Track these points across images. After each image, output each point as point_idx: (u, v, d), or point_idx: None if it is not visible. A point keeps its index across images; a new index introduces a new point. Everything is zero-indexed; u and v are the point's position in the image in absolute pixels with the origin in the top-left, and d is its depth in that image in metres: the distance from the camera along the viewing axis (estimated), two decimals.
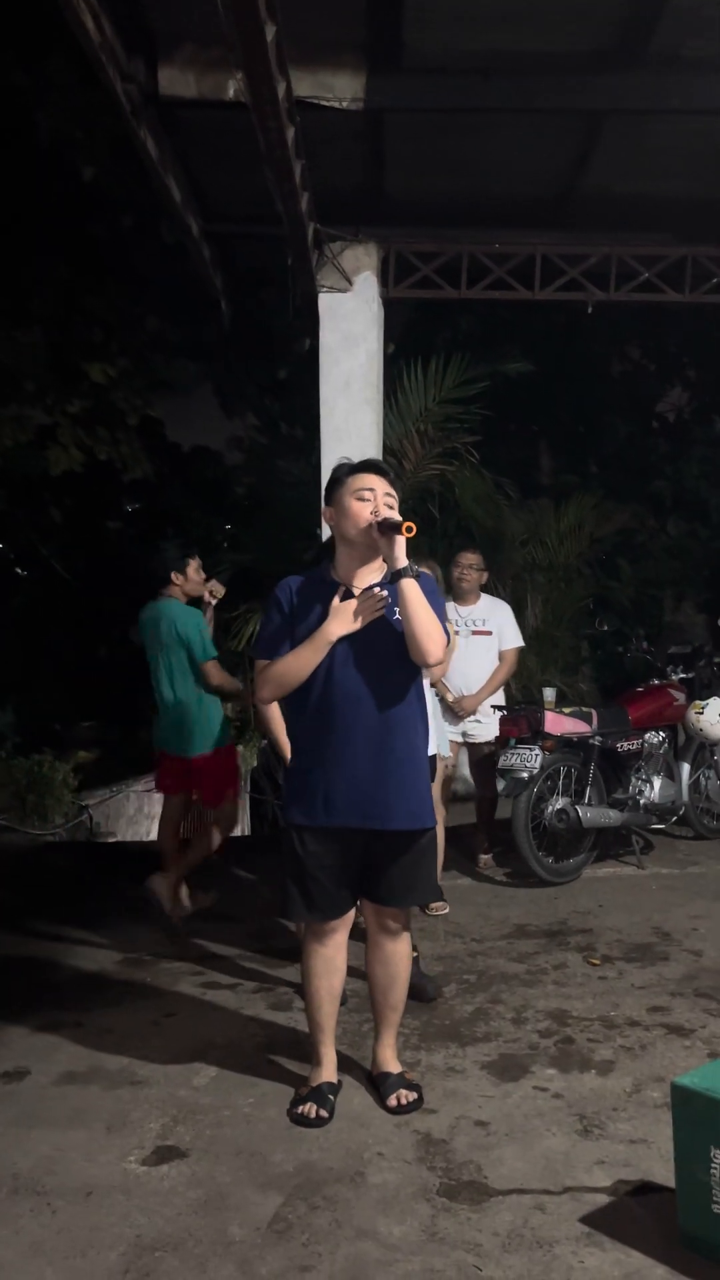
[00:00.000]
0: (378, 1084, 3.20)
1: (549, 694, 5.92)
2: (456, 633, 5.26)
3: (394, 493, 3.07)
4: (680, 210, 6.74)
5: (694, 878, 5.65)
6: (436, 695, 4.94)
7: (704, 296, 7.09)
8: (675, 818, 6.09)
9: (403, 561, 2.93)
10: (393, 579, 2.96)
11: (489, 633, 5.65)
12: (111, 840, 9.32)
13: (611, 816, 5.66)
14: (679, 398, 12.38)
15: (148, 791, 10.03)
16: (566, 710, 5.69)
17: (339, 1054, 3.27)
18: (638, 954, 4.44)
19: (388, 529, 2.93)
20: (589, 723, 5.66)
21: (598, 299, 7.04)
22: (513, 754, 5.41)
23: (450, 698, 5.45)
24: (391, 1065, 3.23)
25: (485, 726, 5.62)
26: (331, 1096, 3.12)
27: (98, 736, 12.10)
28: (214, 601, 5.28)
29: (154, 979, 4.29)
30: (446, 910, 5.04)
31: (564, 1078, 3.31)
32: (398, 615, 2.97)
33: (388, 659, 3.01)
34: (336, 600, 3.00)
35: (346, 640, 2.98)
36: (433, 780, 3.40)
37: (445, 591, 5.24)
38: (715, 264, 7.00)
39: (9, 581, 12.54)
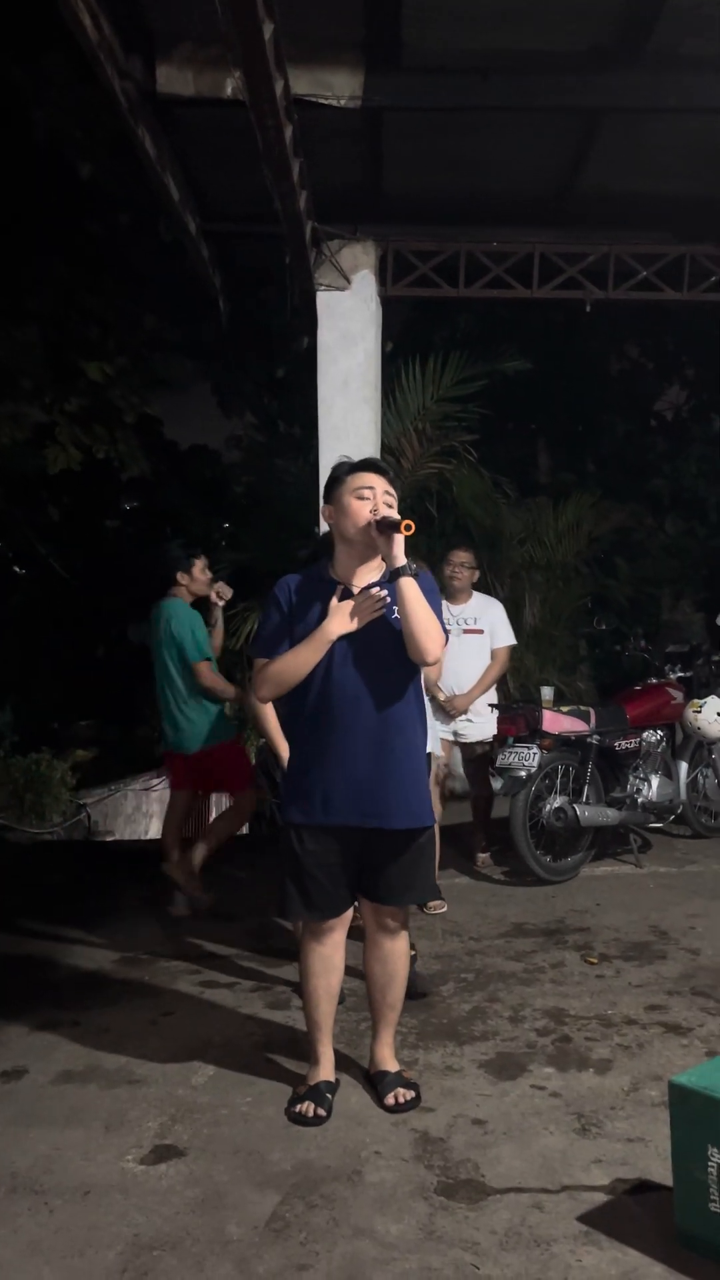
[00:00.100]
0: (375, 1083, 3.21)
1: (547, 692, 5.93)
2: (448, 630, 5.25)
3: (393, 491, 3.08)
4: (679, 209, 6.74)
5: (692, 876, 5.66)
6: (427, 694, 4.95)
7: (702, 295, 7.08)
8: (673, 816, 6.10)
9: (401, 560, 2.93)
10: (391, 577, 2.97)
11: (480, 631, 5.59)
12: (109, 839, 9.33)
13: (609, 815, 5.66)
14: (677, 396, 12.37)
15: (146, 790, 10.05)
16: (564, 709, 5.69)
17: (337, 1053, 3.27)
18: (635, 952, 4.45)
19: (386, 527, 2.94)
20: (587, 721, 5.66)
21: (596, 297, 7.03)
22: (511, 752, 5.41)
23: (441, 697, 5.41)
24: (389, 1064, 3.24)
25: (477, 726, 5.59)
26: (329, 1095, 3.12)
27: (96, 735, 12.10)
28: (221, 603, 5.32)
29: (152, 978, 4.29)
30: (444, 909, 5.05)
31: (561, 1076, 3.31)
32: (396, 614, 2.98)
33: (386, 658, 3.01)
34: (335, 599, 3.00)
35: (345, 639, 2.98)
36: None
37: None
38: (714, 262, 7.00)
39: (7, 580, 12.52)
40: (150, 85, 5.17)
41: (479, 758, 5.75)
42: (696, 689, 6.18)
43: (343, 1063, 3.31)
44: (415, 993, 3.87)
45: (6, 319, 7.58)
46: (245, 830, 7.04)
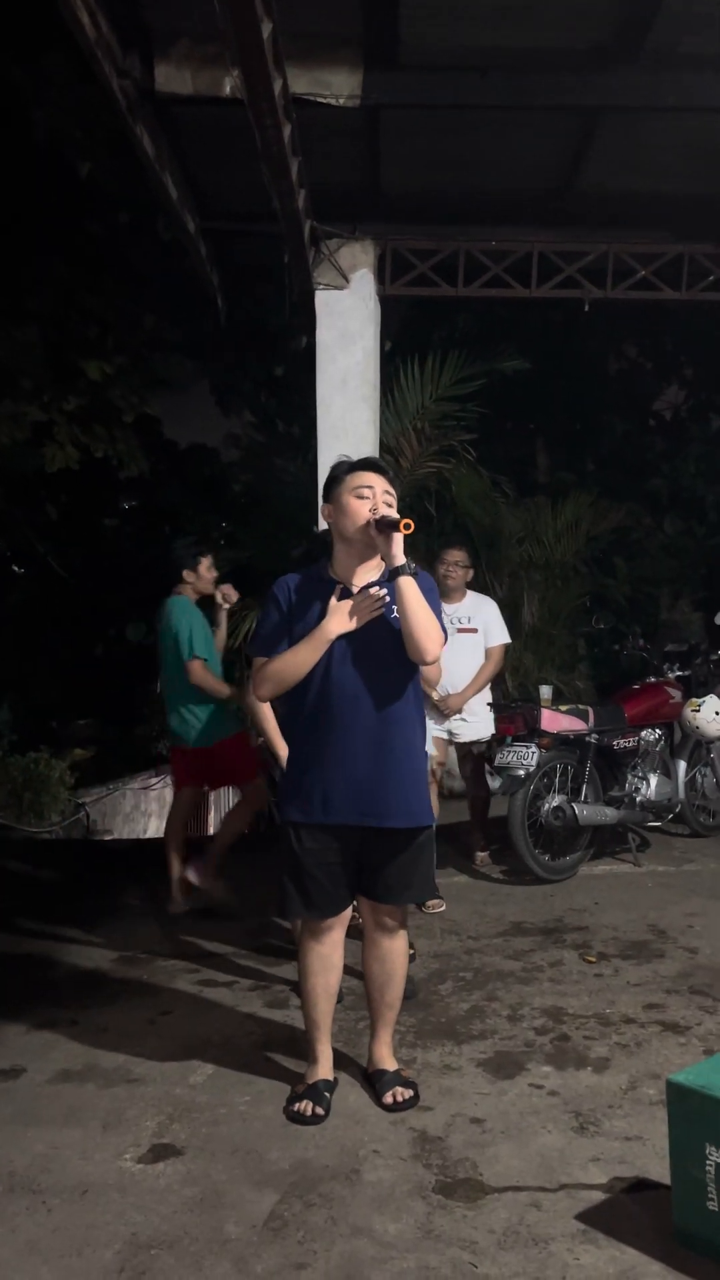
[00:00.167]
0: (374, 1081, 3.21)
1: (545, 691, 5.93)
2: (447, 630, 5.24)
3: (393, 491, 3.08)
4: (677, 208, 6.74)
5: (690, 875, 5.66)
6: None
7: (701, 294, 7.09)
8: (671, 815, 6.10)
9: (400, 559, 2.93)
10: (390, 576, 2.97)
11: (474, 630, 5.55)
12: (108, 838, 9.31)
13: (608, 814, 5.66)
14: (676, 396, 12.37)
15: (144, 789, 10.03)
16: (563, 708, 5.69)
17: (335, 1051, 3.27)
18: (634, 951, 4.45)
19: (385, 526, 2.94)
20: (585, 720, 5.66)
21: (594, 296, 7.04)
22: (509, 751, 5.41)
23: (435, 696, 5.39)
24: (387, 1063, 3.24)
25: (471, 725, 5.57)
26: (327, 1094, 3.12)
27: (94, 734, 12.08)
28: (226, 606, 5.32)
29: (150, 977, 4.29)
30: (443, 908, 5.05)
31: (560, 1075, 3.31)
32: (395, 614, 2.98)
33: (385, 657, 3.01)
34: (334, 599, 3.00)
35: (344, 638, 2.98)
36: None
37: None
38: (712, 261, 7.00)
39: (5, 579, 12.51)
40: (149, 84, 5.17)
41: (475, 757, 5.75)
42: (695, 688, 6.19)
43: (341, 1061, 3.31)
44: (406, 993, 3.87)
45: (6, 318, 7.58)
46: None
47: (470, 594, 5.71)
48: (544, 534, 8.77)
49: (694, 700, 5.96)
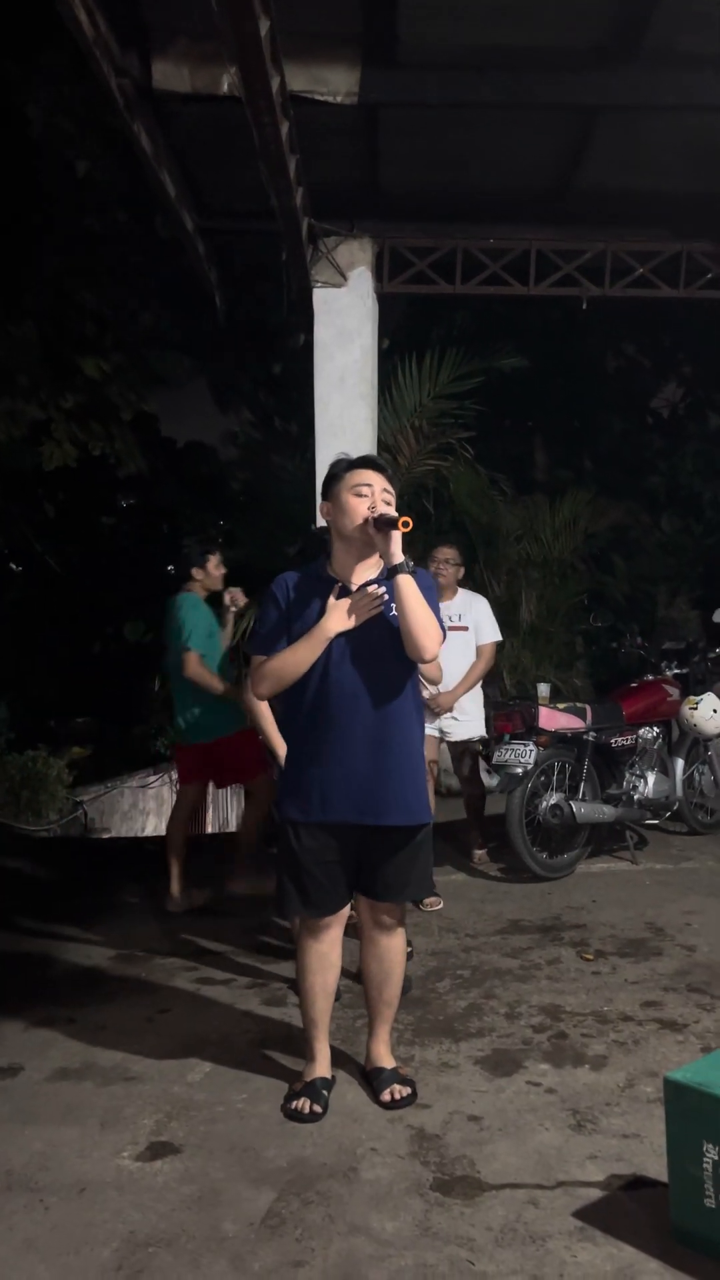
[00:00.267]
0: (371, 1079, 3.21)
1: (543, 689, 5.93)
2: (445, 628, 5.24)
3: (391, 489, 3.08)
4: (675, 205, 6.73)
5: (688, 873, 5.67)
6: None
7: (699, 292, 7.09)
8: (669, 813, 6.10)
9: (399, 557, 2.93)
10: (389, 574, 2.97)
11: (465, 628, 5.51)
12: (106, 836, 9.32)
13: (606, 812, 5.66)
14: (674, 393, 12.40)
15: (142, 787, 10.05)
16: (561, 705, 5.69)
17: (333, 1049, 3.27)
18: (631, 949, 4.45)
19: (383, 524, 2.94)
20: (583, 718, 5.66)
21: (593, 294, 7.03)
22: (507, 749, 5.41)
23: (426, 694, 5.36)
24: (385, 1060, 3.24)
25: (462, 724, 5.56)
26: (325, 1092, 3.12)
27: (92, 732, 12.10)
28: (234, 609, 5.32)
29: (148, 975, 4.29)
30: (440, 905, 5.05)
31: (557, 1073, 3.32)
32: (394, 612, 2.98)
33: (384, 655, 3.01)
34: (333, 597, 3.00)
35: (343, 637, 2.98)
36: None
37: None
38: (710, 259, 7.00)
39: (3, 577, 12.53)
40: (146, 82, 5.16)
41: (468, 756, 5.74)
42: (692, 686, 6.19)
43: (339, 1059, 3.31)
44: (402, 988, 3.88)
45: (3, 316, 7.58)
46: None
47: (461, 592, 5.68)
48: (542, 532, 8.78)
49: (692, 698, 5.97)
